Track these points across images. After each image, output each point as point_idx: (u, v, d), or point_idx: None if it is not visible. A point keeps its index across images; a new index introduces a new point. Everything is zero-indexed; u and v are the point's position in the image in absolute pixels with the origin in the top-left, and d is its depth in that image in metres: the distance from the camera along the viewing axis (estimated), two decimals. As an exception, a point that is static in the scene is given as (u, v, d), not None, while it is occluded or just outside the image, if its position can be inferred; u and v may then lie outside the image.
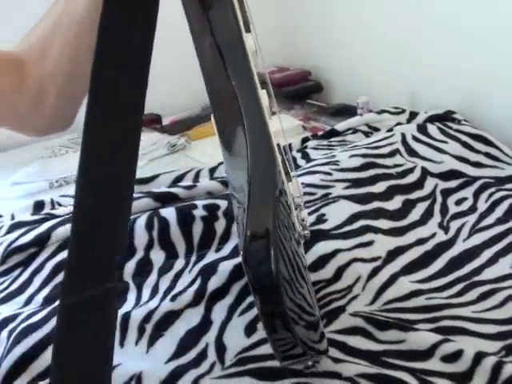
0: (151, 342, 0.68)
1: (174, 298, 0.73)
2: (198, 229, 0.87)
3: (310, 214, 0.88)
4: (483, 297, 0.73)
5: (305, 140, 1.25)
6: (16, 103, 0.60)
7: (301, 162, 1.12)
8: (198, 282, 0.76)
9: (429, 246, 0.83)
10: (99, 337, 0.36)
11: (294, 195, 0.60)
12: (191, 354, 0.66)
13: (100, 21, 0.37)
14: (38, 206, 1.04)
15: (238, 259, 0.76)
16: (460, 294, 0.74)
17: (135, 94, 0.38)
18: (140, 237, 0.85)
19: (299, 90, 1.62)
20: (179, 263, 0.82)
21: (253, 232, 0.41)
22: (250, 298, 0.73)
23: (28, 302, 0.78)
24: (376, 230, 0.85)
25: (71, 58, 0.58)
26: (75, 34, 0.57)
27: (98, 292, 0.36)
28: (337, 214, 0.88)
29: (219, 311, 0.72)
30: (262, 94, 0.49)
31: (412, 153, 1.07)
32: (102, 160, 0.37)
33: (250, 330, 0.68)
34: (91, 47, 0.47)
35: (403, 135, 1.12)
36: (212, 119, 0.55)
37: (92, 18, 0.55)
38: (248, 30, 0.53)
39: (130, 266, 0.81)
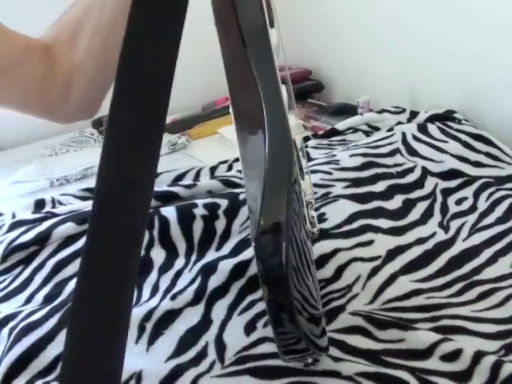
0: (151, 340, 0.68)
1: (174, 297, 0.73)
2: (198, 228, 0.87)
3: (310, 213, 0.89)
4: (483, 296, 0.73)
5: (305, 139, 1.25)
6: (45, 91, 0.60)
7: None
8: (198, 280, 0.76)
9: (429, 245, 0.83)
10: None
11: (306, 192, 0.60)
12: (191, 353, 0.66)
13: (129, 15, 0.37)
14: (39, 204, 1.04)
15: (239, 258, 0.77)
16: (460, 293, 0.74)
17: (161, 91, 0.38)
18: (140, 236, 0.85)
19: (300, 89, 1.62)
20: (179, 262, 0.82)
21: (265, 224, 0.41)
22: (250, 297, 0.73)
23: (29, 300, 0.78)
24: (376, 230, 0.85)
25: (102, 45, 0.57)
26: (107, 20, 0.56)
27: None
28: (337, 213, 0.88)
29: (219, 310, 0.72)
30: (282, 90, 0.49)
31: (412, 152, 1.07)
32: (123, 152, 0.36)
33: (249, 328, 0.69)
34: (123, 34, 0.46)
35: (403, 134, 1.12)
36: (231, 112, 0.55)
37: (125, 4, 0.54)
38: (272, 26, 0.53)
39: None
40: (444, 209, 0.93)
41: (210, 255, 0.82)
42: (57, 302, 0.74)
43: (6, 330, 0.69)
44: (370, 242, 0.82)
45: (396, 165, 1.03)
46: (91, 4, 0.57)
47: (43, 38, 0.60)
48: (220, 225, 0.87)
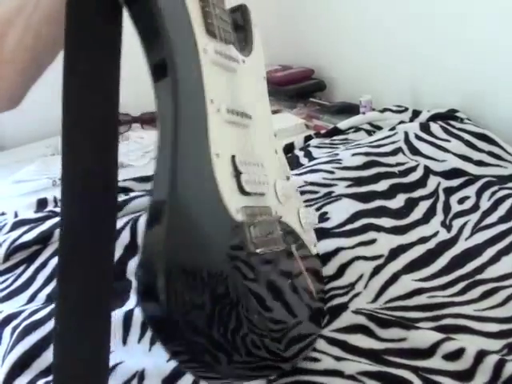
0: (154, 339, 0.68)
1: (176, 296, 0.73)
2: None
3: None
4: (485, 295, 0.72)
5: (307, 138, 1.25)
6: None
7: (303, 160, 1.12)
8: (201, 279, 0.76)
9: (431, 244, 0.83)
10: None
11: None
12: (193, 352, 0.66)
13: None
14: (41, 203, 1.04)
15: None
16: (462, 292, 0.74)
17: (107, 109, 0.38)
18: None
19: (302, 88, 1.62)
20: (182, 261, 0.82)
21: (145, 288, 0.43)
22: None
23: (31, 299, 0.79)
24: (378, 229, 0.85)
25: (31, 46, 0.56)
26: (38, 21, 0.55)
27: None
28: (339, 212, 0.88)
29: (221, 309, 0.72)
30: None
31: (415, 151, 1.06)
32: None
33: (252, 327, 0.68)
34: (54, 36, 0.45)
35: (406, 134, 1.11)
36: None
37: (57, 7, 0.54)
38: (213, 36, 0.55)
39: (132, 265, 0.81)
40: (446, 208, 0.93)
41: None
42: (59, 301, 0.74)
43: (8, 329, 0.69)
44: (372, 241, 0.82)
45: (398, 164, 1.02)
46: (24, 2, 0.55)
47: None
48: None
